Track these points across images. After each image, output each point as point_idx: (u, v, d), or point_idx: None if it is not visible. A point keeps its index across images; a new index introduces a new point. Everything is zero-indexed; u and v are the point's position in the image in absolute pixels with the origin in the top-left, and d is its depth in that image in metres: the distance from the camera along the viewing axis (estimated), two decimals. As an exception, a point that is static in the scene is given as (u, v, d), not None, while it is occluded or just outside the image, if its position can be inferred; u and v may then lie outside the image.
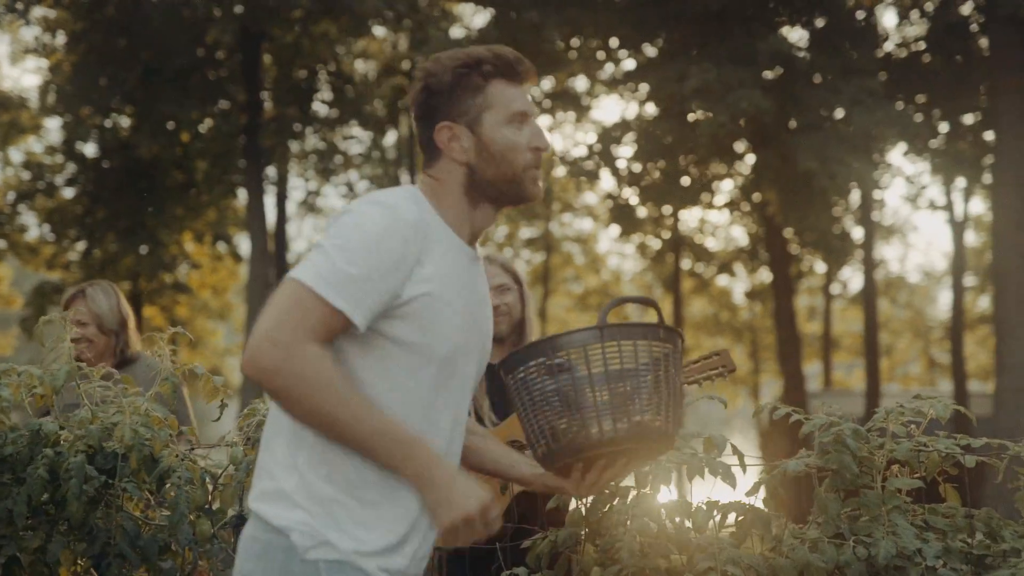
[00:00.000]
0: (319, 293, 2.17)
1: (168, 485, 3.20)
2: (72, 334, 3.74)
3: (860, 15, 19.59)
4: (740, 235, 28.47)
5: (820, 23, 19.10)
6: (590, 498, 3.09)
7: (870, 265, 26.81)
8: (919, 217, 49.91)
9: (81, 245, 24.06)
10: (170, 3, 20.97)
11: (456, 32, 22.54)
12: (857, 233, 26.48)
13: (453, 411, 2.40)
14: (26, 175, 23.96)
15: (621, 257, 35.58)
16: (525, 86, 2.45)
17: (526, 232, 33.28)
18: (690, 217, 27.70)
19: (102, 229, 23.03)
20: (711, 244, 29.27)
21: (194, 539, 3.19)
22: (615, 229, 24.26)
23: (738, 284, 32.99)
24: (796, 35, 19.67)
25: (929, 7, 19.89)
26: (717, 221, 28.73)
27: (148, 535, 3.23)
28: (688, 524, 3.10)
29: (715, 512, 3.08)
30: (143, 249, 22.95)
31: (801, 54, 17.97)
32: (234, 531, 3.25)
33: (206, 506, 3.23)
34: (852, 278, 31.70)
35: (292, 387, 2.12)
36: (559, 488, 2.55)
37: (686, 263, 29.04)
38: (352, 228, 2.23)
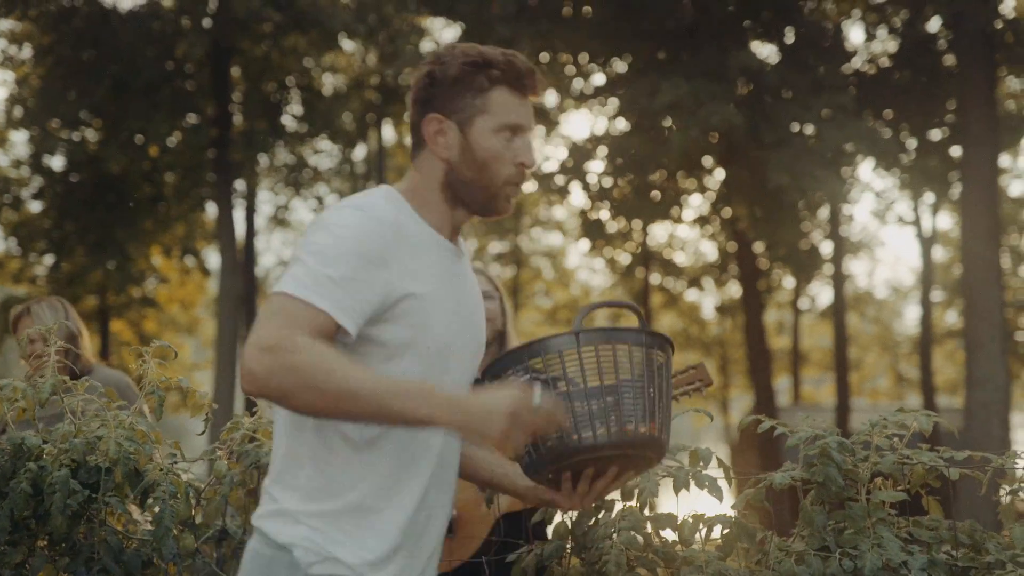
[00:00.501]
0: (300, 297, 2.10)
1: (152, 499, 3.17)
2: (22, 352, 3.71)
3: (829, 28, 19.67)
4: (709, 250, 28.53)
5: (789, 39, 19.20)
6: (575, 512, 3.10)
7: (839, 280, 26.91)
8: (887, 232, 50.30)
9: (49, 259, 23.87)
10: (139, 16, 20.86)
11: (427, 46, 22.53)
12: (826, 248, 26.56)
13: None
14: (-8, 189, 23.75)
15: (591, 272, 35.63)
16: (530, 99, 2.40)
17: (496, 247, 33.30)
18: (660, 232, 27.78)
19: (70, 243, 22.85)
20: (680, 259, 29.31)
21: (178, 554, 3.17)
22: (584, 244, 24.27)
23: (707, 299, 33.05)
24: (766, 51, 19.76)
25: (897, 23, 20.04)
26: (686, 236, 28.80)
27: (131, 550, 3.21)
28: (674, 537, 3.10)
29: (701, 525, 3.09)
30: (111, 263, 22.77)
31: (771, 69, 18.03)
32: (216, 545, 3.23)
33: (189, 520, 3.20)
34: (821, 293, 31.84)
35: (291, 381, 2.02)
36: (552, 501, 2.50)
37: (655, 278, 29.04)
38: (326, 234, 2.18)
